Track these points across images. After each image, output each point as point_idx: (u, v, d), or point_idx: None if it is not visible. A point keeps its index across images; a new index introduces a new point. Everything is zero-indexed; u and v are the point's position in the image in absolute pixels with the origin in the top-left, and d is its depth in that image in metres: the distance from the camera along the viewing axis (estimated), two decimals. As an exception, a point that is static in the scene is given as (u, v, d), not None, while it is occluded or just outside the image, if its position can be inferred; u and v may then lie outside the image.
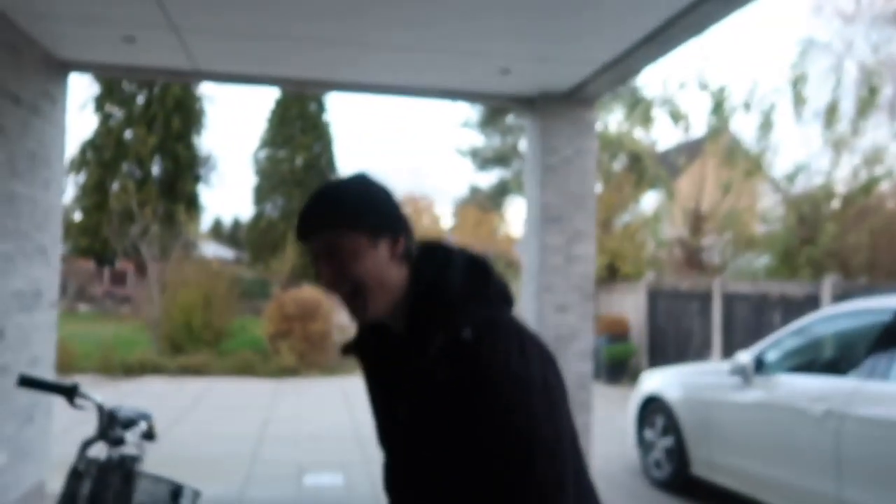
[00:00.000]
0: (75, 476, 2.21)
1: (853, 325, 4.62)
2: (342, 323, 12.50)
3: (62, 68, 4.93)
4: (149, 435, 2.39)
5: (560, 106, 5.46)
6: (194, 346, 12.84)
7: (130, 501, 2.22)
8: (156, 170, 28.67)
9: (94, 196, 26.76)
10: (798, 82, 12.39)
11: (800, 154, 15.59)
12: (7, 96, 4.07)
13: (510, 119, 26.89)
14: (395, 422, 1.32)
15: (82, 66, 5.15)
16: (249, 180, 45.16)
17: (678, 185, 14.77)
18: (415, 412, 1.24)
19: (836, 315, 4.71)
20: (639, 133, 14.71)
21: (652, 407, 5.82)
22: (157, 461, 2.72)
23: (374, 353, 1.37)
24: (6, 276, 4.08)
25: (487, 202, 29.21)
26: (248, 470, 5.85)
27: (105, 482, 2.22)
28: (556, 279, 5.39)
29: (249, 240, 32.01)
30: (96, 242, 25.92)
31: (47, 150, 4.68)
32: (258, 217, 31.46)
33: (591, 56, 4.65)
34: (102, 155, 27.67)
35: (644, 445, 5.90)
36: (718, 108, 13.49)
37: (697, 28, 4.12)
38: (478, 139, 29.88)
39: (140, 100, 28.36)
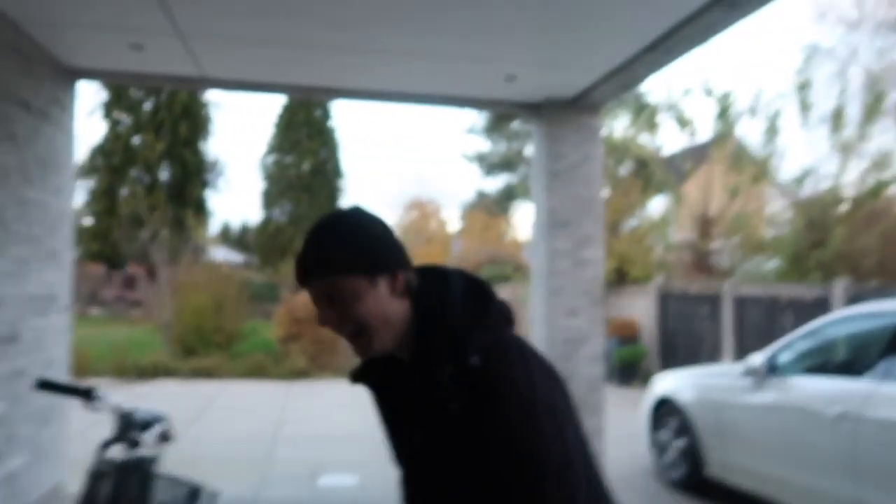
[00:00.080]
0: (95, 477, 2.24)
1: (866, 327, 4.62)
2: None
3: (71, 76, 4.99)
4: (165, 436, 2.42)
5: (566, 112, 5.48)
6: (206, 348, 12.90)
7: (149, 502, 2.25)
8: (164, 175, 28.83)
9: (104, 201, 26.94)
10: (803, 88, 12.37)
11: (806, 159, 15.54)
12: (18, 103, 4.13)
13: (516, 124, 26.92)
14: (409, 444, 1.34)
15: (91, 74, 5.21)
16: (257, 185, 45.34)
17: (685, 190, 14.75)
18: (427, 440, 1.26)
19: (850, 317, 4.71)
20: (644, 138, 14.71)
21: (665, 409, 5.82)
22: (172, 462, 2.75)
23: (382, 380, 1.38)
24: (20, 280, 4.13)
25: (494, 207, 29.24)
26: (263, 471, 5.88)
27: (123, 483, 2.24)
28: (565, 283, 5.40)
29: (258, 244, 32.12)
30: (106, 247, 26.08)
31: (57, 156, 4.73)
32: (266, 222, 31.58)
33: (596, 63, 4.67)
34: (111, 161, 27.86)
35: (657, 447, 5.90)
36: (724, 113, 13.48)
37: (702, 37, 4.14)
38: (484, 145, 29.93)
39: (147, 106, 28.55)
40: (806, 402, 4.31)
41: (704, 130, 14.92)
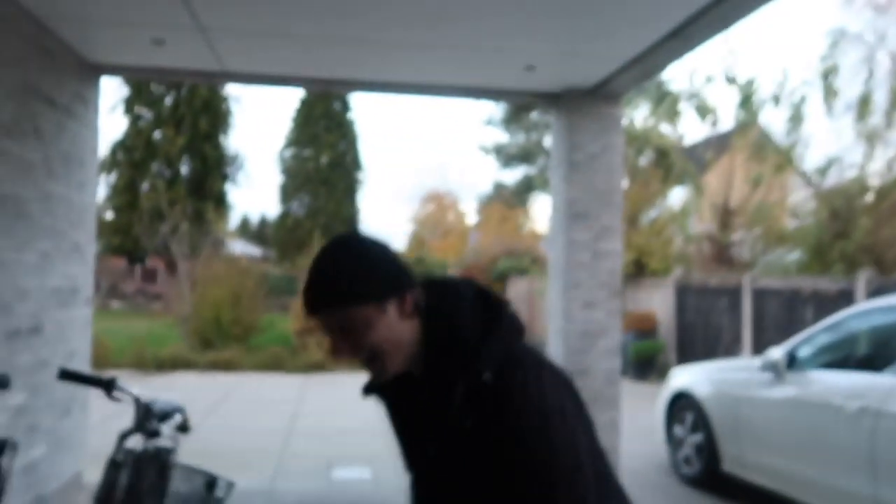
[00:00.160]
0: (114, 467, 2.27)
1: (889, 320, 4.53)
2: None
3: (94, 71, 5.03)
4: (183, 427, 2.45)
5: (585, 102, 5.43)
6: (224, 341, 13.03)
7: (166, 491, 2.28)
8: (184, 169, 29.13)
9: (125, 195, 27.28)
10: (829, 74, 12.15)
11: (831, 147, 15.29)
12: (43, 99, 4.18)
13: (534, 116, 26.79)
14: (421, 453, 1.36)
15: (113, 69, 5.26)
16: (276, 179, 45.60)
17: (706, 180, 14.59)
18: (440, 452, 1.29)
19: (872, 310, 4.63)
20: (665, 128, 14.56)
21: (681, 403, 5.78)
22: (189, 453, 2.77)
23: (394, 393, 1.38)
24: (44, 273, 4.19)
25: (512, 199, 29.16)
26: (278, 463, 5.93)
27: (142, 473, 2.28)
28: (583, 275, 5.37)
29: (276, 237, 32.37)
30: (128, 241, 26.42)
31: (81, 151, 4.79)
32: (285, 215, 31.81)
33: (616, 52, 4.62)
34: (132, 155, 28.19)
35: (673, 442, 5.86)
36: (747, 101, 13.29)
37: (724, 23, 4.07)
38: (502, 136, 29.83)
39: (168, 101, 28.83)
40: (826, 396, 4.25)
41: (726, 119, 14.75)
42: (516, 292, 18.64)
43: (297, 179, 31.32)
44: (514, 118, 28.18)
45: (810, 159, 12.98)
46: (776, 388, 4.72)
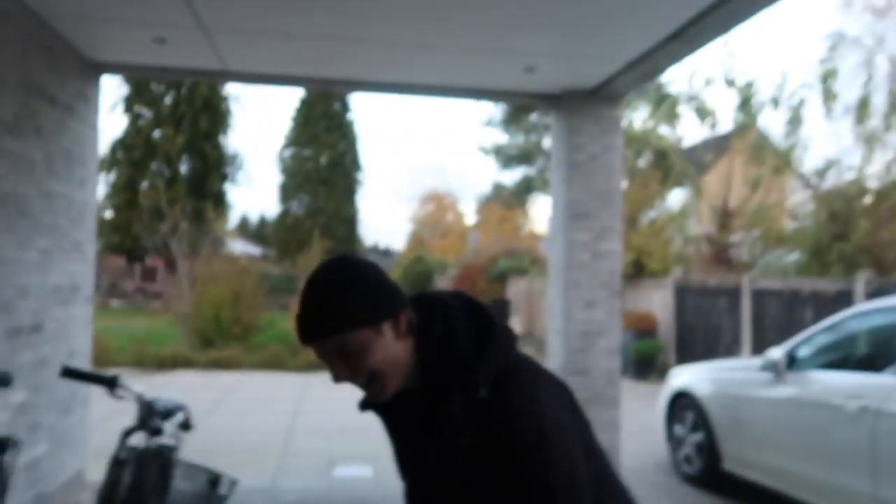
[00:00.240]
0: (117, 464, 2.28)
1: (889, 321, 4.55)
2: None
3: (95, 70, 5.04)
4: (185, 425, 2.46)
5: (586, 103, 5.45)
6: (224, 340, 13.03)
7: (169, 489, 2.28)
8: (184, 168, 29.14)
9: (125, 194, 27.28)
10: (828, 77, 12.18)
11: (830, 150, 15.30)
12: (44, 97, 4.18)
13: (533, 117, 26.81)
14: (419, 463, 1.36)
15: (115, 68, 5.26)
16: (275, 178, 45.60)
17: (705, 182, 14.61)
18: (439, 466, 1.29)
19: (871, 311, 4.64)
20: (664, 130, 14.58)
21: (681, 403, 5.79)
22: (190, 452, 2.78)
23: (391, 408, 1.39)
24: (45, 271, 4.20)
25: (511, 199, 29.17)
26: (280, 461, 5.94)
27: (145, 470, 2.29)
28: (583, 276, 5.38)
29: (276, 237, 32.38)
30: (127, 239, 26.43)
31: (82, 149, 4.79)
32: (284, 214, 31.83)
33: (616, 54, 4.63)
34: (132, 154, 28.20)
35: (674, 441, 5.88)
36: (746, 104, 13.32)
37: (724, 26, 4.08)
38: (501, 137, 29.85)
39: (168, 100, 28.83)
40: (826, 396, 4.27)
41: (726, 121, 14.76)
42: (516, 292, 18.65)
43: (296, 179, 31.34)
44: (513, 119, 28.21)
45: (809, 161, 13.03)
46: (776, 388, 4.73)
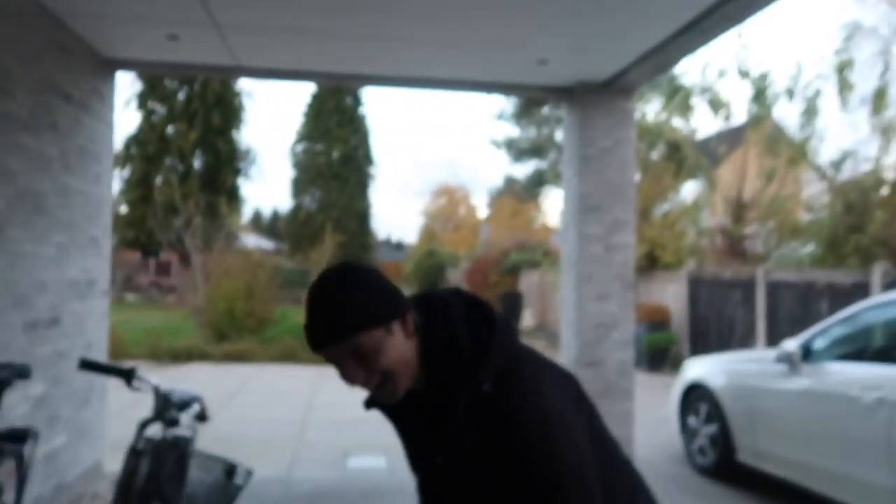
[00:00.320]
0: (134, 454, 2.32)
1: (905, 313, 4.51)
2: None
3: (109, 67, 5.08)
4: (201, 416, 2.49)
5: (598, 96, 5.42)
6: (238, 333, 13.13)
7: (186, 479, 2.32)
8: (197, 164, 29.30)
9: (139, 190, 27.47)
10: (843, 68, 12.04)
11: (846, 141, 15.13)
12: (59, 94, 4.22)
13: (545, 110, 26.70)
14: (427, 460, 1.38)
15: (128, 65, 5.30)
16: (287, 173, 45.77)
17: (719, 174, 14.50)
18: (446, 463, 1.31)
19: (888, 303, 4.60)
20: (678, 122, 14.47)
21: (695, 394, 5.78)
22: (205, 443, 2.82)
23: (396, 407, 1.40)
24: (62, 265, 4.25)
25: (523, 193, 29.11)
26: (294, 452, 5.99)
27: (161, 461, 2.32)
28: (596, 268, 5.37)
29: (288, 231, 32.50)
30: (142, 234, 26.64)
31: (97, 145, 4.84)
32: (297, 209, 31.92)
33: (629, 46, 4.61)
34: (146, 150, 28.38)
35: (687, 432, 5.87)
36: (760, 95, 13.19)
37: (738, 17, 4.05)
38: (513, 130, 29.76)
39: (181, 96, 28.98)
40: (842, 388, 4.24)
41: (739, 113, 14.66)
42: (528, 285, 18.64)
43: (308, 174, 31.41)
44: (525, 112, 28.10)
45: (825, 153, 12.89)
46: (792, 380, 4.71)
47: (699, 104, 14.16)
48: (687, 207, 14.17)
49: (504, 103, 28.78)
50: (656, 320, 12.00)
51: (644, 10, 4.02)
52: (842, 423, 4.19)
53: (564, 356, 5.60)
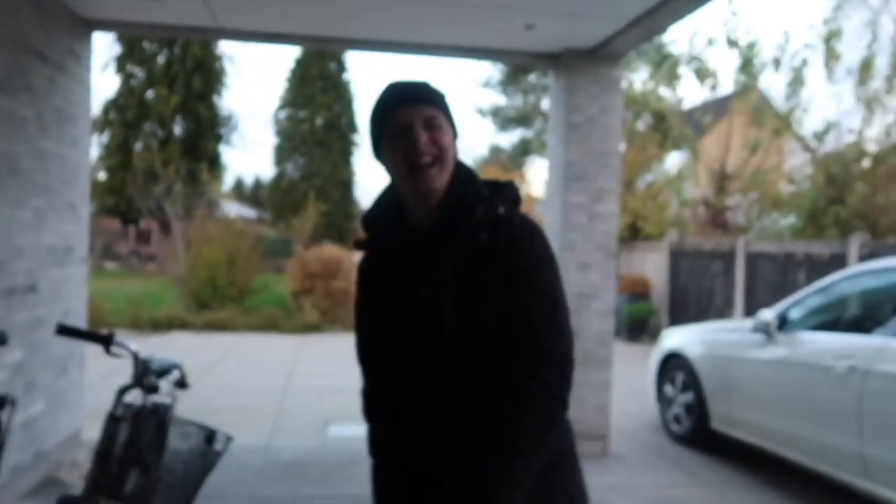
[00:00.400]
0: (113, 421, 2.30)
1: (880, 283, 4.57)
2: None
3: (86, 26, 4.94)
4: (181, 383, 2.47)
5: (585, 63, 5.37)
6: (219, 302, 13.08)
7: (165, 445, 2.31)
8: (178, 130, 28.84)
9: (118, 156, 27.03)
10: (831, 38, 12.02)
11: (830, 112, 15.18)
12: (34, 54, 4.10)
13: (532, 78, 26.48)
14: (409, 299, 1.47)
15: (106, 25, 5.15)
16: (270, 140, 45.23)
17: (703, 145, 14.53)
18: (458, 272, 1.43)
19: (862, 273, 4.66)
20: (664, 91, 14.42)
21: (672, 363, 5.86)
22: (187, 411, 2.80)
23: (390, 248, 1.54)
24: (39, 231, 4.18)
25: (509, 162, 28.98)
26: (275, 421, 6.01)
27: (140, 427, 2.30)
28: (579, 237, 5.38)
29: (271, 199, 32.18)
30: (121, 202, 26.30)
31: (74, 107, 4.72)
32: (279, 177, 31.55)
33: (617, 11, 4.55)
34: (125, 115, 27.85)
35: (664, 401, 5.96)
36: (747, 65, 13.16)
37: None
38: (499, 99, 29.51)
39: (161, 60, 28.37)
40: (815, 357, 4.31)
41: (726, 83, 14.61)
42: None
43: (292, 141, 31.00)
44: (511, 80, 27.83)
45: (809, 124, 12.94)
46: (767, 349, 4.78)
47: (686, 73, 14.11)
48: (671, 178, 14.22)
49: (490, 71, 28.50)
50: (637, 291, 12.10)
51: (631, -24, 3.96)
52: (814, 391, 4.27)
53: (546, 325, 5.62)
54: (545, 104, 24.51)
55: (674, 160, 15.29)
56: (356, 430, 5.68)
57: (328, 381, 7.72)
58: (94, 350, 2.51)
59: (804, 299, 4.83)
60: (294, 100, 31.07)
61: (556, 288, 1.45)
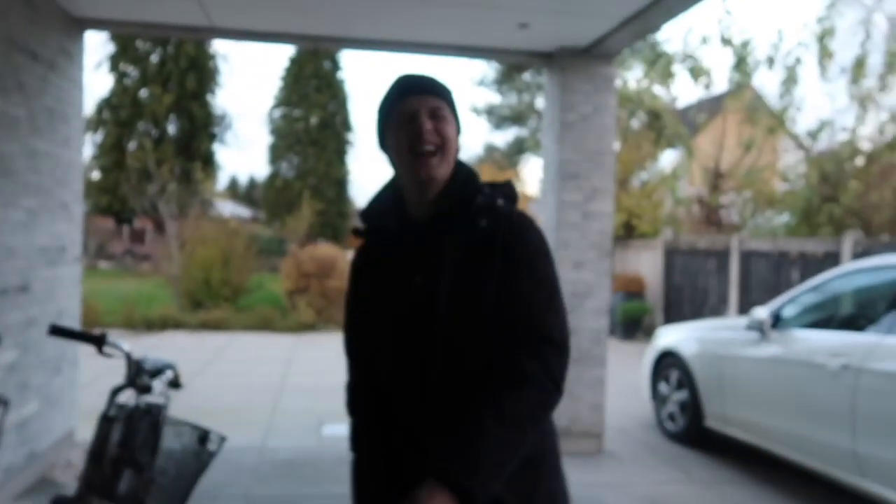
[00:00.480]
0: (106, 421, 2.29)
1: (872, 281, 4.59)
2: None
3: (79, 25, 4.91)
4: (174, 383, 2.46)
5: (579, 61, 5.38)
6: (213, 301, 13.04)
7: (158, 445, 2.30)
8: (172, 129, 28.72)
9: (112, 155, 26.92)
10: (825, 36, 12.05)
11: (824, 110, 15.22)
12: (26, 53, 4.08)
13: (526, 77, 26.48)
14: (404, 287, 1.47)
15: (99, 24, 5.13)
16: (264, 139, 45.10)
17: (698, 143, 14.56)
18: (454, 257, 1.44)
19: (855, 271, 4.68)
20: (658, 90, 14.44)
21: (667, 361, 5.87)
22: (181, 411, 2.80)
23: (388, 238, 1.54)
24: (31, 231, 4.16)
25: (503, 160, 28.98)
26: (269, 420, 6.00)
27: (134, 427, 2.30)
28: (573, 236, 5.38)
29: (265, 198, 32.10)
30: (115, 201, 26.19)
31: (66, 107, 4.70)
32: (274, 176, 31.47)
33: (611, 10, 4.55)
34: (119, 114, 27.73)
35: (658, 399, 5.97)
36: (741, 63, 13.18)
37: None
38: (494, 97, 29.50)
39: (154, 59, 28.25)
40: (809, 354, 4.33)
41: (720, 81, 14.63)
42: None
43: (286, 140, 30.91)
44: (506, 79, 27.82)
45: (803, 122, 12.99)
46: (761, 347, 4.79)
47: (680, 72, 14.13)
48: (665, 177, 14.24)
49: (485, 69, 28.49)
50: (632, 290, 12.12)
51: (625, -25, 3.97)
52: (807, 388, 4.28)
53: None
54: (540, 103, 24.51)
55: (668, 158, 15.32)
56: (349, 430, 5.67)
57: (322, 380, 7.71)
58: (87, 350, 2.50)
59: (798, 297, 4.84)
60: (288, 98, 30.98)
61: (554, 279, 1.48)
